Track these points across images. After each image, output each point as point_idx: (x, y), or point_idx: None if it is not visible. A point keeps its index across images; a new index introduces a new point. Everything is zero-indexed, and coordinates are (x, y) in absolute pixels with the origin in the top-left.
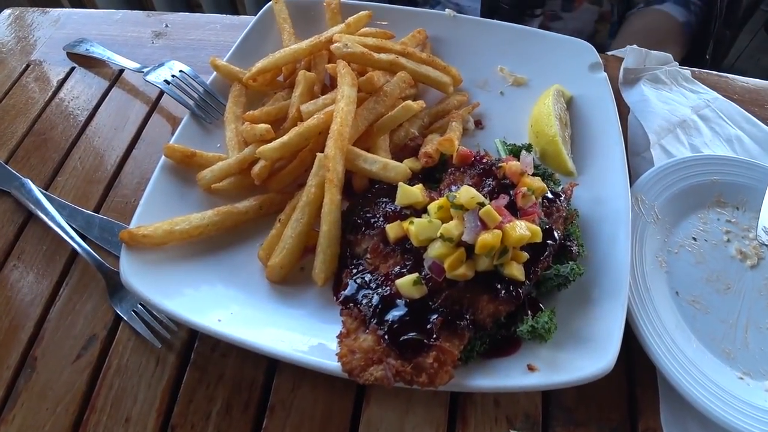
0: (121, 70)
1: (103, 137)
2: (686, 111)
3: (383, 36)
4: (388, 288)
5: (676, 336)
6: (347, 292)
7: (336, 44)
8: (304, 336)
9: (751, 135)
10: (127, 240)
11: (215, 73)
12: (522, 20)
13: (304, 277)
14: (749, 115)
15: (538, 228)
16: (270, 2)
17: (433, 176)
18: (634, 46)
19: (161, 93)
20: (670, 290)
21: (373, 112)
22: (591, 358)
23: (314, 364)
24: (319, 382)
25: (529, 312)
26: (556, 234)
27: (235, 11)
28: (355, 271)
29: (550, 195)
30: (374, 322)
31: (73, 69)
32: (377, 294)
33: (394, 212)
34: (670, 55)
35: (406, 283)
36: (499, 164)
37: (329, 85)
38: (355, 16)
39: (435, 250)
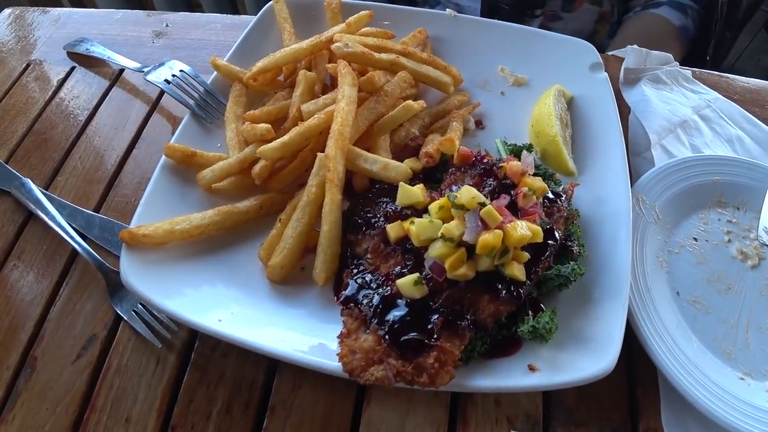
0: (122, 70)
1: (104, 137)
2: (687, 111)
3: (384, 36)
4: (389, 288)
5: (677, 336)
6: (348, 292)
7: (337, 44)
8: (304, 336)
9: (752, 135)
10: (127, 240)
11: (216, 72)
12: (522, 20)
13: (304, 277)
14: (750, 115)
15: (539, 228)
16: (270, 2)
17: (433, 176)
18: (635, 46)
19: (161, 93)
20: (671, 290)
21: (373, 111)
22: (592, 359)
23: (315, 364)
24: (319, 382)
25: (530, 312)
26: (557, 234)
27: (236, 11)
28: (355, 271)
29: (551, 195)
30: (375, 322)
31: (73, 68)
32: (378, 294)
33: (394, 212)
34: (670, 55)
35: (406, 283)
36: (500, 164)
37: (330, 84)
38: (355, 15)
39: (436, 250)
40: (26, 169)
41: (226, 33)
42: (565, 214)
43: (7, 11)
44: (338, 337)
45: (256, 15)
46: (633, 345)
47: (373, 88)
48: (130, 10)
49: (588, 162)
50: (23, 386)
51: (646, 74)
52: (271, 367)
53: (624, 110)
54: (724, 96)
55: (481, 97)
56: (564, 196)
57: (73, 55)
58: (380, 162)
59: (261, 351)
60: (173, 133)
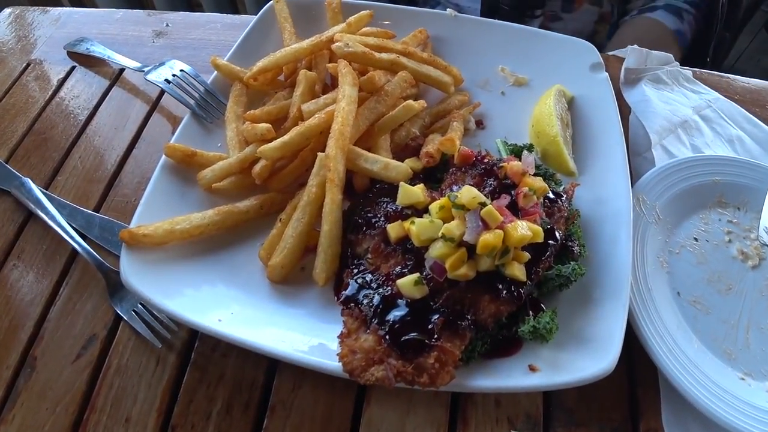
0: (122, 70)
1: (104, 136)
2: (687, 111)
3: (384, 35)
4: (389, 288)
5: (678, 336)
6: (348, 292)
7: (337, 44)
8: (304, 336)
9: (753, 135)
10: (127, 239)
11: (216, 72)
12: (522, 21)
13: (304, 277)
14: (750, 115)
15: (540, 228)
16: (271, 1)
17: (434, 176)
18: (635, 46)
19: (162, 92)
20: (672, 291)
21: (374, 111)
22: (592, 359)
23: (315, 364)
24: (319, 382)
25: (530, 312)
26: (557, 234)
27: (236, 10)
28: (356, 271)
29: (551, 195)
30: (375, 322)
31: (73, 68)
32: (378, 294)
33: (395, 212)
34: (671, 56)
35: (407, 283)
36: (501, 164)
37: (330, 84)
38: (356, 15)
39: (436, 250)
40: (26, 168)
41: (226, 33)
42: (566, 214)
43: (7, 11)
44: (338, 337)
45: (256, 15)
46: (633, 345)
47: (374, 87)
48: (130, 10)
49: (588, 162)
50: (23, 386)
51: (646, 74)
52: (271, 367)
53: (624, 110)
54: (725, 96)
55: (481, 97)
56: (564, 196)
57: (73, 55)
58: (381, 162)
59: (261, 351)
60: (173, 133)
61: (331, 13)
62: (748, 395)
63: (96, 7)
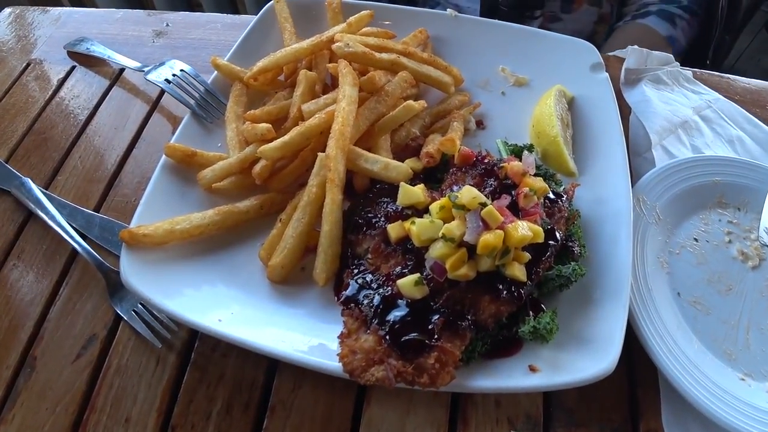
0: (122, 69)
1: (104, 136)
2: (688, 111)
3: (384, 36)
4: (390, 288)
5: (678, 337)
6: (348, 292)
7: (337, 44)
8: (304, 336)
9: (753, 136)
10: (127, 239)
11: (216, 72)
12: (521, 22)
13: (305, 277)
14: (750, 115)
15: (540, 228)
16: (271, 1)
17: (434, 176)
18: (635, 47)
19: (162, 92)
20: (672, 291)
21: (374, 111)
22: (593, 359)
23: (315, 364)
24: (319, 382)
25: (530, 312)
26: (557, 234)
27: (236, 10)
28: (356, 271)
29: (551, 195)
30: (375, 322)
31: (73, 68)
32: (378, 294)
33: (395, 212)
34: (671, 56)
35: (407, 283)
36: (501, 164)
37: (330, 84)
38: (356, 15)
39: (436, 250)
40: (26, 168)
41: (226, 32)
42: (566, 215)
43: (7, 10)
44: (338, 337)
45: (256, 15)
46: (633, 345)
47: (374, 87)
48: (130, 10)
49: (589, 162)
50: (23, 386)
51: (646, 74)
52: (271, 368)
53: (625, 110)
54: (725, 96)
55: (481, 97)
56: (565, 196)
57: (74, 55)
58: (381, 162)
59: (261, 351)
60: (173, 133)
61: (331, 13)
62: (748, 396)
63: (96, 7)
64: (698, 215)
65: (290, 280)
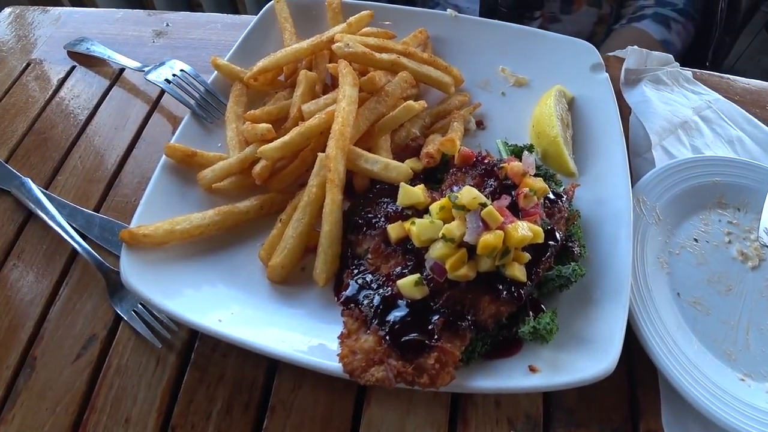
0: (122, 69)
1: (104, 136)
2: (687, 112)
3: (385, 36)
4: (390, 288)
5: (678, 337)
6: (348, 292)
7: (337, 44)
8: (304, 336)
9: (753, 136)
10: (127, 239)
11: (216, 72)
12: (520, 23)
13: (305, 278)
14: (750, 116)
15: (540, 229)
16: (271, 1)
17: (434, 176)
18: (635, 47)
19: (162, 92)
20: (672, 291)
21: (374, 112)
22: (592, 360)
23: (315, 364)
24: (319, 382)
25: (530, 313)
26: (557, 235)
27: (236, 10)
28: (356, 271)
29: (551, 196)
30: (375, 322)
31: (73, 68)
32: (378, 294)
33: (395, 212)
34: (671, 56)
35: (407, 283)
36: (501, 165)
37: (330, 84)
38: (356, 15)
39: (436, 250)
40: (26, 168)
41: (226, 33)
42: (566, 215)
43: (7, 10)
44: (339, 337)
45: (256, 15)
46: (633, 346)
47: (374, 88)
48: (130, 10)
49: (589, 163)
50: (23, 386)
51: (646, 75)
52: (272, 368)
53: (625, 111)
54: (725, 97)
55: (481, 98)
56: (565, 196)
57: (74, 55)
58: (381, 162)
59: (261, 351)
60: (173, 133)
61: (331, 14)
62: (747, 396)
63: (96, 6)
64: (698, 215)
65: (290, 281)
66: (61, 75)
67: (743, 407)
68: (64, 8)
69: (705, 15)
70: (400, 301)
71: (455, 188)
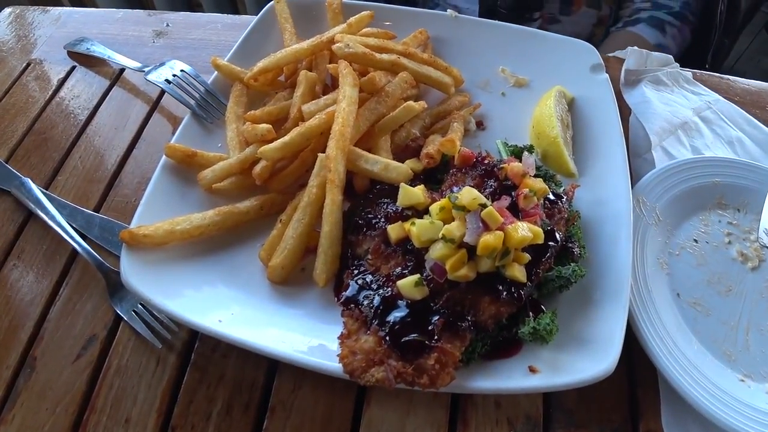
0: (122, 70)
1: (104, 136)
2: (687, 113)
3: (385, 36)
4: (390, 289)
5: (677, 338)
6: (348, 293)
7: (338, 44)
8: (304, 337)
9: (753, 137)
10: (127, 240)
11: (216, 72)
12: (519, 24)
13: (305, 278)
14: (750, 117)
15: (540, 229)
16: (271, 2)
17: (434, 177)
18: (635, 48)
19: (162, 92)
20: (671, 292)
21: (374, 112)
22: (592, 360)
23: (315, 365)
24: (319, 383)
25: (530, 313)
26: (557, 235)
27: (236, 11)
28: (356, 272)
29: (551, 196)
30: (375, 323)
31: (73, 68)
32: (378, 295)
33: (395, 213)
34: (671, 57)
35: (407, 284)
36: (501, 165)
37: (331, 85)
38: (356, 16)
39: (436, 251)
40: (26, 168)
41: (226, 33)
42: (566, 216)
43: (7, 10)
44: (339, 338)
45: (256, 15)
46: (633, 346)
47: (374, 88)
48: (130, 10)
49: (589, 163)
50: (23, 386)
51: (646, 75)
52: (272, 368)
53: (625, 111)
54: (725, 98)
55: (481, 98)
56: (565, 197)
57: (74, 55)
58: (381, 163)
59: (261, 352)
60: (174, 133)
61: (331, 14)
62: (747, 397)
63: (96, 6)
64: (698, 216)
65: (290, 281)
66: (61, 75)
67: (743, 408)
68: (64, 8)
69: (704, 17)
70: (400, 302)
71: (455, 189)
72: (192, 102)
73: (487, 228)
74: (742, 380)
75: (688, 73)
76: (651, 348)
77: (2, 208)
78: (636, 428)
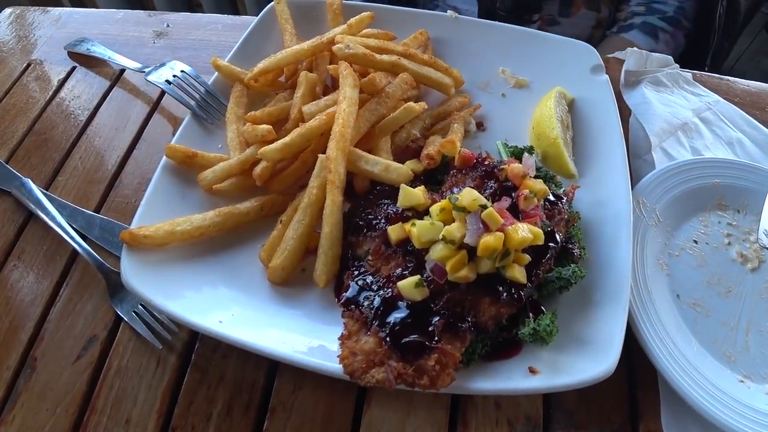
0: (122, 70)
1: (104, 137)
2: (687, 113)
3: (385, 37)
4: (390, 290)
5: (677, 339)
6: (349, 293)
7: (338, 45)
8: (305, 338)
9: (752, 138)
10: (128, 240)
11: (217, 73)
12: (519, 25)
13: (305, 279)
14: (750, 117)
15: (540, 230)
16: (272, 2)
17: (434, 178)
18: (635, 49)
19: (162, 93)
20: (671, 293)
21: (374, 113)
22: (592, 361)
23: (315, 365)
24: (320, 383)
25: (530, 314)
26: (557, 236)
27: (236, 11)
28: (356, 272)
29: (551, 197)
30: (376, 324)
31: (74, 68)
32: (379, 296)
33: (395, 214)
34: (670, 57)
35: (407, 285)
36: (501, 166)
37: (331, 86)
38: (357, 17)
39: (437, 252)
40: (26, 169)
41: (227, 33)
42: (566, 217)
43: (7, 11)
44: (339, 338)
45: (256, 16)
46: (633, 347)
47: (375, 89)
48: (131, 10)
49: (589, 164)
50: (23, 387)
51: (646, 76)
52: (272, 369)
53: (625, 112)
54: (725, 99)
55: (482, 99)
56: (565, 198)
57: (74, 55)
58: (381, 163)
59: (261, 352)
60: (174, 134)
61: (331, 15)
62: (747, 398)
63: (96, 7)
64: (698, 217)
65: (291, 282)
66: (62, 75)
67: (743, 409)
68: (65, 9)
69: (703, 20)
70: (400, 303)
71: (455, 190)
72: (192, 103)
73: (487, 229)
74: (742, 381)
75: (688, 74)
76: (651, 349)
77: (2, 209)
78: (636, 429)
